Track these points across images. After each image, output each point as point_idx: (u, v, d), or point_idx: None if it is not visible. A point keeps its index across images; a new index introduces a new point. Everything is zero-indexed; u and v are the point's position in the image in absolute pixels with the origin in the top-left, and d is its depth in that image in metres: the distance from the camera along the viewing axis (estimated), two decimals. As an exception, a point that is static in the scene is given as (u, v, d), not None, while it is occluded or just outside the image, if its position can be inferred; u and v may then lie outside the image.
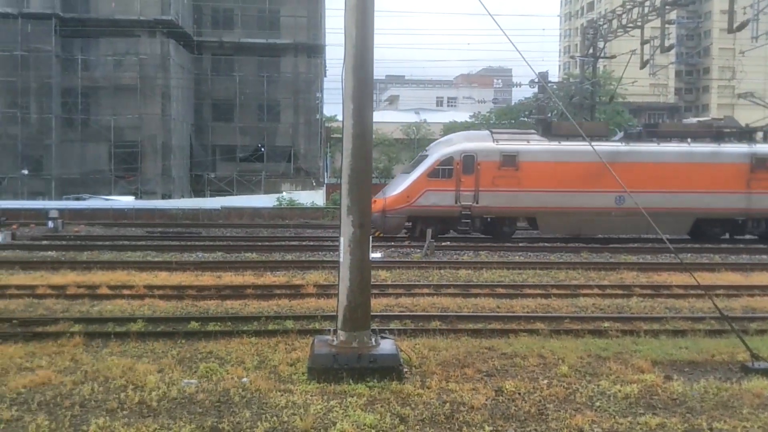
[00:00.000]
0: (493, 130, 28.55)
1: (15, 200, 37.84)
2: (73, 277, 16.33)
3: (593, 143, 26.55)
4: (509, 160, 25.84)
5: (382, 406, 7.88)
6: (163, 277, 16.57)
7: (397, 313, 13.00)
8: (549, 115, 39.43)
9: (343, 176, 8.96)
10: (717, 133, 27.66)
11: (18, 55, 39.10)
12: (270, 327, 11.67)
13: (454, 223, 26.23)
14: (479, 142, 26.53)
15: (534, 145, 26.29)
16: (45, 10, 39.83)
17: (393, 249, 23.36)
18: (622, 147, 26.47)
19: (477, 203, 25.73)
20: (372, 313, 9.74)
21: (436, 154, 26.43)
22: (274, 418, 7.49)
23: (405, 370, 9.09)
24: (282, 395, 8.26)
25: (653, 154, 26.30)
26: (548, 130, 27.12)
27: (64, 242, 23.18)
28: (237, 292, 15.00)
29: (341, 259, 9.00)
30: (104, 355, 10.11)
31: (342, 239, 8.98)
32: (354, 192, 8.91)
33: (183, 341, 10.96)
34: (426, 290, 15.41)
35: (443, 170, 25.77)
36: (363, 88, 8.91)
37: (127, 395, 8.28)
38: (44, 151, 40.75)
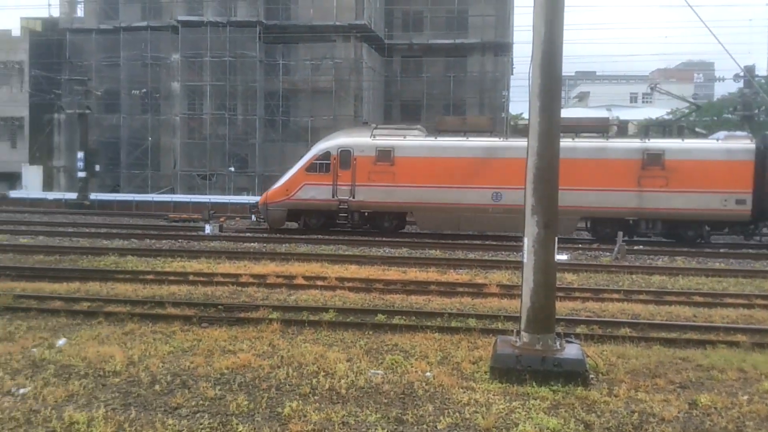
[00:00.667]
0: (378, 126, 28.17)
1: (223, 195, 41.10)
2: (273, 267, 17.45)
3: (475, 139, 25.44)
4: (385, 155, 25.85)
5: (566, 411, 7.72)
6: (353, 270, 17.27)
7: (583, 318, 12.64)
8: (756, 111, 36.32)
9: (528, 175, 8.85)
10: (606, 127, 25.92)
11: (227, 60, 42.36)
12: (453, 324, 11.80)
13: (334, 217, 26.46)
14: (356, 138, 26.67)
15: (410, 140, 26.05)
16: (250, 18, 42.82)
17: (580, 251, 22.67)
18: (500, 142, 25.42)
19: (353, 198, 25.87)
20: (557, 317, 9.56)
21: (314, 149, 27.10)
22: (457, 414, 7.59)
23: (591, 376, 8.84)
24: (464, 392, 8.34)
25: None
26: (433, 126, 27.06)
27: (265, 235, 24.82)
28: (421, 287, 15.30)
29: (525, 260, 8.90)
30: (299, 341, 10.74)
31: (526, 240, 8.88)
32: (539, 191, 8.78)
33: (370, 332, 11.38)
34: (615, 295, 14.82)
35: (321, 165, 26.14)
36: (551, 85, 8.75)
37: (318, 381, 8.75)
38: (249, 150, 43.85)
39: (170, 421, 7.42)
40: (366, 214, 26.57)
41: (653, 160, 24.46)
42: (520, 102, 65.33)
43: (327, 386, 8.57)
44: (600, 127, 26.08)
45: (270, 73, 44.09)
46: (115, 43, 44.20)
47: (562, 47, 8.75)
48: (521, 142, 23.99)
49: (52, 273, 16.37)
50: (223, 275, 16.06)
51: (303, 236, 24.40)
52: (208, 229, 25.48)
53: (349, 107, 43.58)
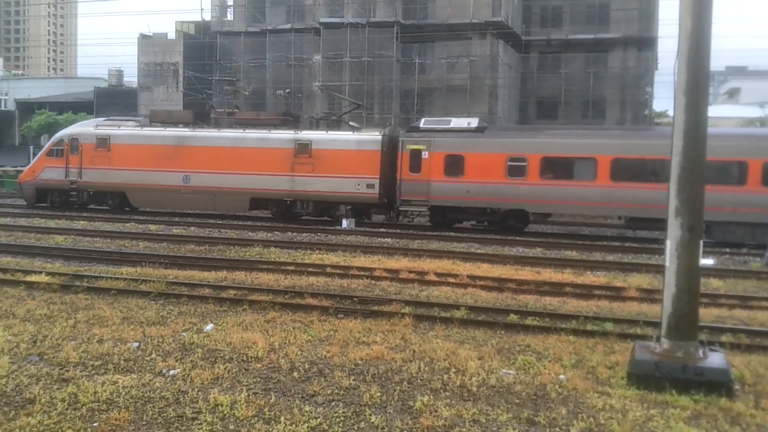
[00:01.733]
0: (110, 118, 33.30)
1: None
2: (406, 262, 17.71)
3: (170, 129, 29.47)
4: (103, 142, 30.36)
5: (707, 422, 7.38)
6: (485, 269, 17.21)
7: (729, 326, 11.97)
8: None
9: (672, 175, 8.50)
10: (269, 120, 29.68)
11: (365, 60, 43.30)
12: (588, 327, 11.51)
13: (66, 195, 31.17)
14: (83, 128, 31.72)
15: (122, 130, 30.44)
16: (388, 19, 43.50)
17: (728, 256, 21.43)
18: (188, 132, 29.43)
19: (81, 179, 30.61)
20: (700, 324, 9.12)
21: (54, 137, 32.13)
22: (591, 419, 7.43)
23: (736, 387, 8.38)
24: (599, 397, 8.15)
25: (213, 139, 28.98)
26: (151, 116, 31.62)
27: (398, 230, 25.20)
28: (556, 288, 15.03)
29: (667, 264, 8.56)
30: (430, 337, 10.87)
31: (668, 243, 8.54)
32: (684, 192, 8.41)
33: (502, 332, 11.32)
34: (765, 303, 13.92)
35: (57, 150, 30.97)
36: (697, 81, 8.36)
37: (449, 377, 8.83)
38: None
39: (307, 408, 7.74)
40: (91, 192, 31.17)
41: (303, 149, 27.90)
42: (664, 99, 62.50)
43: (458, 383, 8.63)
44: (274, 120, 29.79)
45: (406, 72, 44.59)
46: (262, 45, 46.23)
47: (710, 41, 8.34)
48: (204, 133, 29.27)
49: (202, 262, 17.41)
50: (358, 268, 16.46)
51: (435, 233, 24.54)
52: (345, 223, 26.16)
53: (484, 105, 43.30)
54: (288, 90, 45.18)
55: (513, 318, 12.05)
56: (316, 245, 20.82)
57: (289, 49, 45.62)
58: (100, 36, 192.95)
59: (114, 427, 7.20)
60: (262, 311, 12.38)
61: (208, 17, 51.20)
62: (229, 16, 50.67)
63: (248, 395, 8.08)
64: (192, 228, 24.78)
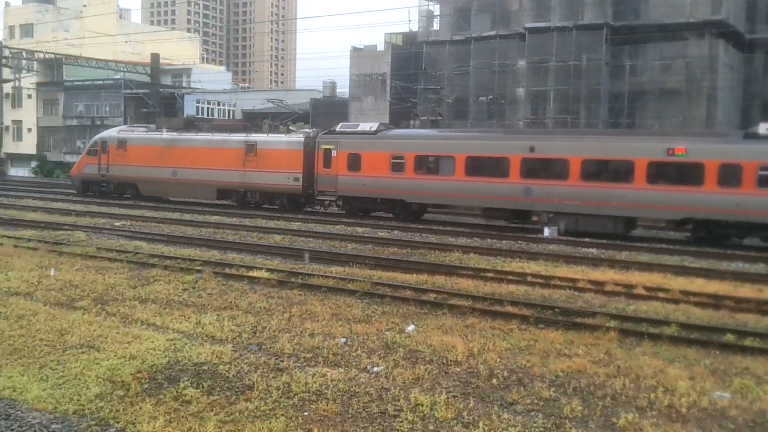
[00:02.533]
0: (136, 125, 42.15)
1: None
2: (612, 274, 17.02)
3: (165, 133, 36.96)
4: (122, 144, 38.21)
5: None
6: (699, 284, 16.09)
7: None
8: None
9: None
10: (231, 125, 38.00)
11: (571, 64, 42.17)
12: (820, 353, 10.40)
13: (98, 186, 39.43)
14: (110, 133, 40.26)
15: (136, 134, 38.49)
16: (597, 21, 42.05)
17: None
18: (176, 136, 36.63)
19: (108, 173, 38.55)
20: None
21: (91, 141, 41.02)
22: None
23: None
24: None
25: (191, 141, 35.89)
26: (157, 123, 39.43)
27: (605, 241, 24.30)
28: (782, 309, 13.70)
29: None
30: (637, 353, 10.39)
31: None
32: None
33: (717, 352, 10.56)
34: None
35: (93, 150, 39.42)
36: None
37: (656, 396, 8.40)
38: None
39: (506, 416, 7.73)
40: (116, 184, 38.64)
41: (251, 148, 33.80)
42: None
43: (666, 402, 8.20)
44: (235, 125, 38.22)
45: (615, 75, 42.82)
46: (466, 53, 46.63)
47: None
48: (186, 136, 36.05)
49: (404, 264, 17.94)
50: (561, 279, 16.10)
51: (644, 244, 23.33)
52: (547, 232, 25.69)
53: (701, 108, 40.45)
54: (491, 96, 45.19)
55: (730, 338, 11.18)
56: (516, 253, 20.64)
57: (493, 56, 45.60)
58: (316, 50, 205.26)
59: (322, 417, 7.66)
60: (462, 316, 12.52)
61: (415, 28, 52.60)
62: (436, 26, 51.67)
63: (448, 398, 8.23)
64: (395, 231, 25.58)
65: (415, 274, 16.41)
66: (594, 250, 22.23)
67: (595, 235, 25.04)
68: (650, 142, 25.36)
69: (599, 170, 25.76)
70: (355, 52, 54.29)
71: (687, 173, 24.18)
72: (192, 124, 38.02)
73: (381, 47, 53.92)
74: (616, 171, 25.49)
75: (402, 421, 7.59)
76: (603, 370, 9.42)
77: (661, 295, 14.73)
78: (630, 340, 11.17)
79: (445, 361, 9.78)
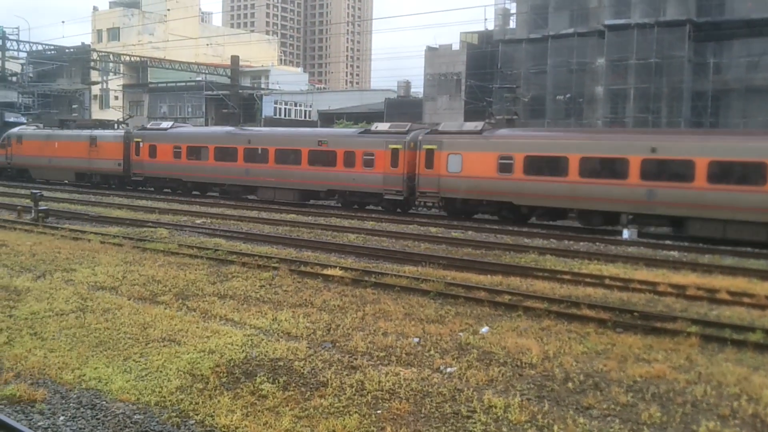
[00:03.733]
0: (33, 123, 53.31)
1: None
2: (694, 278, 16.49)
3: (46, 130, 48.35)
4: (19, 139, 47.69)
5: None
6: (788, 290, 15.41)
7: None
8: None
9: None
10: (84, 123, 50.11)
11: (652, 62, 41.01)
12: None
13: (6, 171, 48.91)
14: (14, 130, 49.29)
15: (29, 131, 48.42)
16: (679, 17, 40.76)
17: None
18: (51, 132, 46.95)
19: (12, 161, 47.85)
20: None
21: (2, 136, 49.15)
22: None
23: None
24: None
25: (60, 136, 45.66)
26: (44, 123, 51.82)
27: (686, 243, 23.54)
28: None
29: None
30: (719, 359, 10.05)
31: None
32: None
33: (807, 362, 10.10)
34: None
35: (2, 144, 48.56)
36: None
37: (740, 405, 8.11)
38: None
39: (581, 420, 7.60)
40: (17, 169, 48.02)
41: (93, 141, 42.93)
42: None
43: (750, 411, 7.90)
44: (88, 123, 50.13)
45: (698, 73, 41.44)
46: (543, 51, 45.99)
47: None
48: (59, 132, 46.21)
49: (478, 265, 17.82)
50: (640, 282, 15.69)
51: (728, 248, 22.47)
52: (626, 234, 25.07)
53: (792, 106, 38.73)
54: (568, 95, 44.42)
55: (822, 347, 10.67)
56: (594, 255, 20.22)
57: (570, 54, 44.80)
58: (391, 50, 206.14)
59: (395, 416, 7.70)
60: (537, 318, 12.36)
61: (491, 27, 52.22)
62: (512, 24, 51.15)
63: (522, 400, 8.15)
64: (469, 232, 25.44)
65: (489, 275, 16.29)
66: (675, 253, 21.57)
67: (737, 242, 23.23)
68: None
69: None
70: (430, 51, 54.28)
71: None
72: (65, 123, 49.13)
73: (456, 46, 53.75)
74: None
75: (475, 423, 7.56)
76: (683, 377, 9.14)
77: (746, 300, 14.17)
78: (712, 346, 10.80)
79: (519, 363, 9.68)
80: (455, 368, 9.38)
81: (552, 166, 27.04)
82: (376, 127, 33.66)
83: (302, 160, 34.07)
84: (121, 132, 43.20)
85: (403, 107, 56.01)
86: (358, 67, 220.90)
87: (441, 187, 29.70)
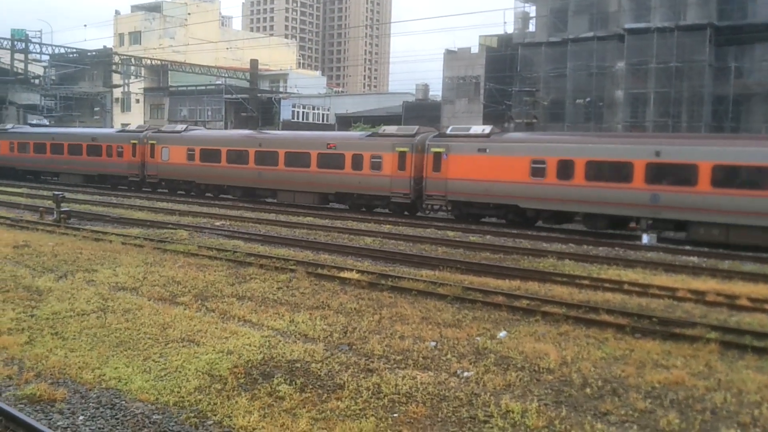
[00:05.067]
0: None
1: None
2: (713, 284, 16.34)
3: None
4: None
5: None
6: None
7: None
8: None
9: None
10: None
11: (672, 66, 40.69)
12: None
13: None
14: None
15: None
16: (700, 21, 40.41)
17: None
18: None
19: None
20: None
21: None
22: None
23: None
24: None
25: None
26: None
27: (705, 249, 23.34)
28: None
29: None
30: (739, 367, 9.96)
31: None
32: None
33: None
34: None
35: None
36: None
37: (761, 413, 8.04)
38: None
39: (599, 426, 7.57)
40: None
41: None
42: None
43: (771, 419, 7.82)
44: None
45: (719, 77, 41.04)
46: (563, 55, 45.78)
47: None
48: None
49: (496, 270, 17.77)
50: (659, 287, 15.58)
51: (749, 253, 22.22)
52: (645, 239, 24.88)
53: (816, 111, 38.28)
54: (588, 99, 44.18)
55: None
56: (613, 260, 20.11)
57: (590, 58, 44.56)
58: (409, 54, 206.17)
59: (412, 420, 7.71)
60: (555, 323, 12.31)
61: (510, 30, 52.08)
62: (531, 28, 50.98)
63: (539, 405, 8.13)
64: (488, 236, 25.38)
65: (507, 280, 16.24)
66: (695, 259, 21.39)
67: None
68: None
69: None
70: (449, 54, 54.22)
71: None
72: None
73: (475, 50, 53.65)
74: None
75: (492, 427, 7.55)
76: (702, 383, 9.07)
77: (767, 307, 14.03)
78: (732, 353, 10.70)
79: (537, 368, 9.65)
80: (472, 372, 9.37)
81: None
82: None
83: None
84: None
85: (421, 110, 56.01)
86: (376, 70, 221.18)
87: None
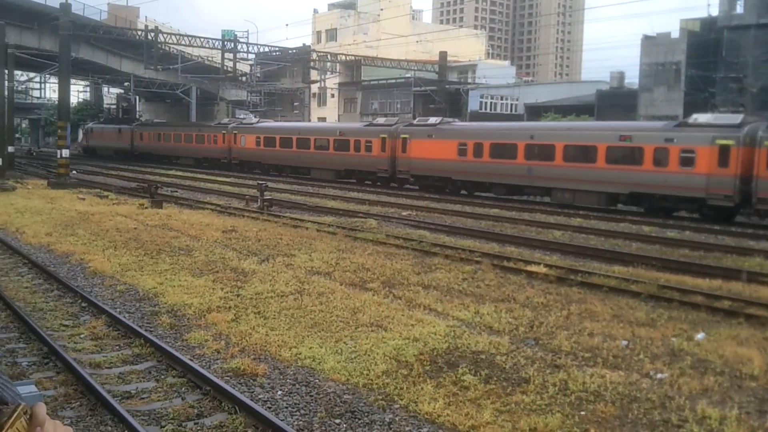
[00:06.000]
0: None
1: None
2: None
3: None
4: None
5: None
6: None
7: None
8: None
9: None
10: None
11: None
12: None
13: None
14: None
15: None
16: None
17: None
18: None
19: None
20: None
21: None
22: None
23: None
24: None
25: None
26: None
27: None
28: None
29: None
30: None
31: None
32: None
33: None
34: None
35: None
36: None
37: None
38: None
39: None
40: None
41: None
42: None
43: None
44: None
45: None
46: (776, 37, 41.94)
47: None
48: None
49: (695, 268, 16.69)
50: None
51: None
52: None
53: None
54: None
55: None
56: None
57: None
58: (604, 40, 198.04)
59: (600, 419, 7.50)
60: (761, 327, 11.37)
61: (715, 12, 48.46)
62: (739, 9, 47.06)
63: (740, 413, 7.59)
64: (687, 232, 23.88)
65: (707, 279, 15.22)
66: None
67: None
68: None
69: None
70: (647, 40, 51.45)
71: None
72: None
73: (675, 34, 50.47)
74: None
75: (686, 433, 7.16)
76: None
77: None
78: None
79: (738, 374, 8.99)
80: (666, 374, 8.91)
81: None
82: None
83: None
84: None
85: (615, 99, 53.62)
86: (568, 58, 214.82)
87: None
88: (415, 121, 41.23)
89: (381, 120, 45.08)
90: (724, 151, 26.65)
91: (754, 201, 26.38)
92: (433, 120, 39.51)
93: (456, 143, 36.22)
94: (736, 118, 28.50)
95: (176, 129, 61.51)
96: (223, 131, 53.95)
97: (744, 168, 26.28)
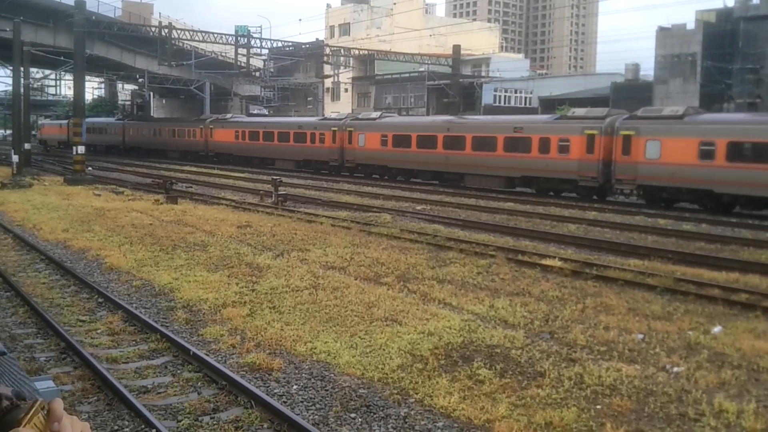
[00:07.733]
0: None
1: None
2: None
3: None
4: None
5: None
6: None
7: None
8: None
9: None
10: None
11: None
12: None
13: None
14: None
15: None
16: None
17: None
18: None
19: None
20: None
21: None
22: None
23: None
24: None
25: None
26: None
27: None
28: None
29: None
30: None
31: None
32: None
33: None
34: None
35: None
36: None
37: None
38: None
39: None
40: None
41: None
42: None
43: None
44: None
45: None
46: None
47: None
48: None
49: (711, 261, 16.56)
50: None
51: None
52: None
53: None
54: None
55: None
56: None
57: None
58: (618, 32, 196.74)
59: (616, 413, 7.47)
60: (779, 320, 11.28)
61: (731, 3, 47.99)
62: (755, 0, 46.62)
63: (757, 407, 7.53)
64: (703, 225, 23.70)
65: (724, 272, 15.09)
66: None
67: None
68: None
69: None
70: (662, 32, 51.07)
71: None
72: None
73: (691, 26, 50.05)
74: None
75: (703, 427, 7.12)
76: None
77: None
78: None
79: (756, 367, 8.92)
80: (683, 368, 8.86)
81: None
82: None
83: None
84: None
85: (631, 91, 53.24)
86: (582, 51, 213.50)
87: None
88: (360, 116, 46.04)
89: (333, 115, 51.78)
90: (590, 140, 30.81)
91: (613, 182, 30.61)
92: (374, 114, 44.91)
93: (391, 135, 40.74)
94: (602, 112, 32.64)
95: (161, 124, 65.64)
96: (201, 126, 57.12)
97: (605, 153, 30.41)
